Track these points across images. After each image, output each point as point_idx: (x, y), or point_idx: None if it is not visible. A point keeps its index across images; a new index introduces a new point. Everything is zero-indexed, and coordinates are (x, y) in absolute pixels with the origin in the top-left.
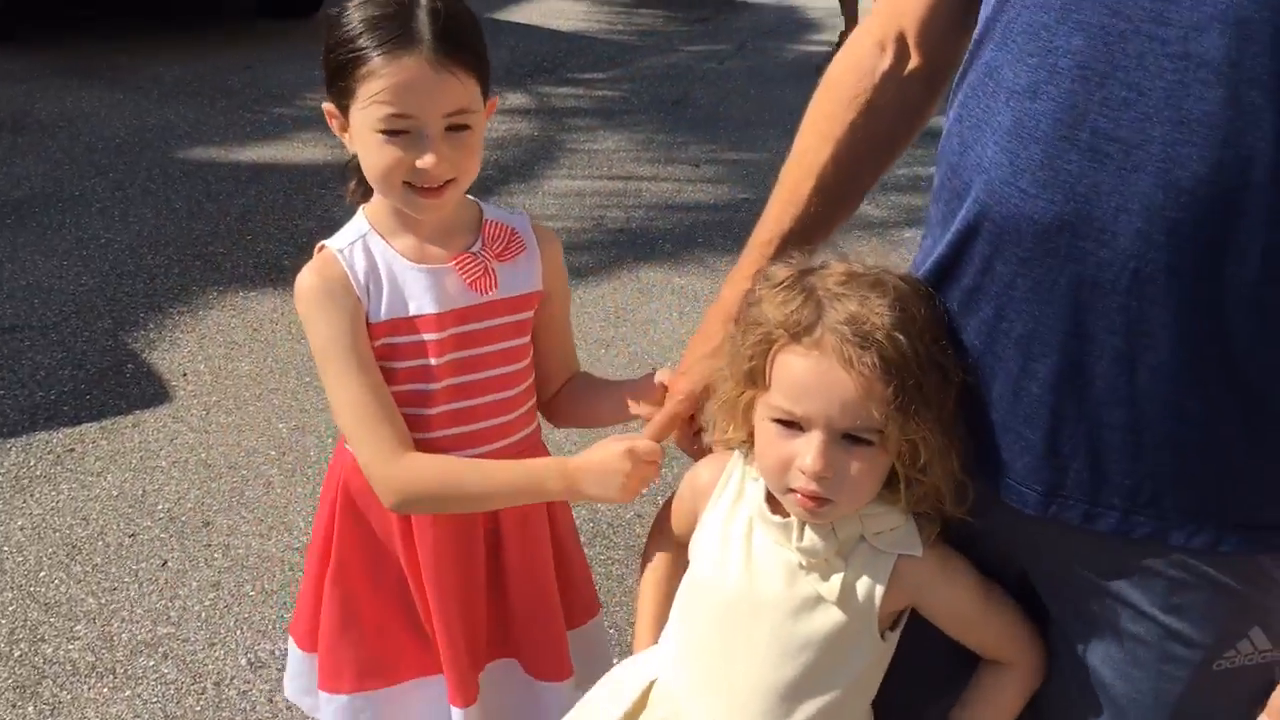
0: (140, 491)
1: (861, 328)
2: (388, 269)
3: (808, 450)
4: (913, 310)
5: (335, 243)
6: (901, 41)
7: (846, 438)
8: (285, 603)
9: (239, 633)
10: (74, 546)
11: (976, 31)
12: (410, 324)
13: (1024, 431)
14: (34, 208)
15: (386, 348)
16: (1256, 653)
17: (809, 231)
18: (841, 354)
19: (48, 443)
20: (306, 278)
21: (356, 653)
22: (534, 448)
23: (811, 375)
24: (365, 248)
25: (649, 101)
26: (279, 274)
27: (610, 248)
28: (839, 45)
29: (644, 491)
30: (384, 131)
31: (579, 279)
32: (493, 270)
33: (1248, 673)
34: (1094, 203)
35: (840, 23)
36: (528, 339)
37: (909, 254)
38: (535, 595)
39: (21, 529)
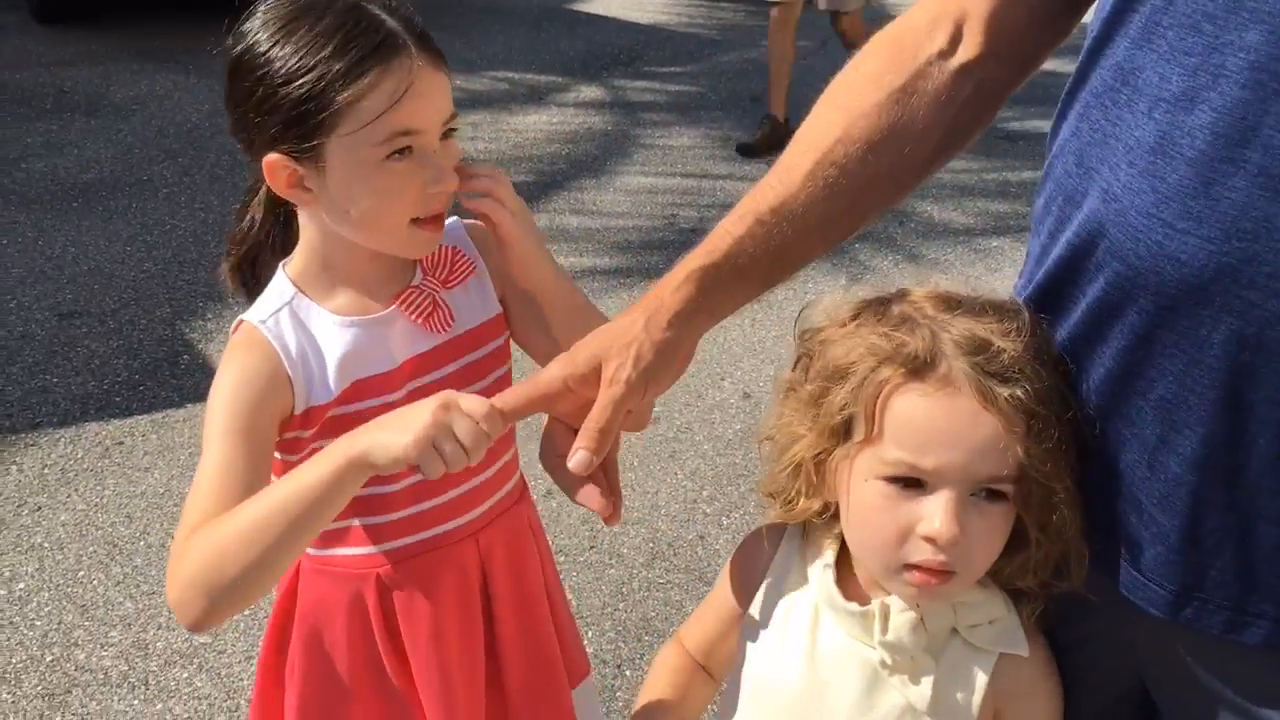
0: (186, 490)
1: (997, 357)
2: (325, 335)
3: (937, 511)
4: (1037, 333)
5: (255, 314)
6: (961, 24)
7: (976, 493)
8: None
9: None
10: (115, 546)
11: (1097, 23)
12: (359, 389)
13: (1157, 516)
14: (101, 191)
15: (333, 421)
16: None
17: (790, 221)
18: (980, 389)
19: (97, 434)
20: (231, 357)
21: None
22: (521, 501)
23: (944, 418)
24: (292, 314)
25: (727, 97)
26: None
27: (683, 248)
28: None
29: (447, 463)
30: (392, 154)
31: (650, 279)
32: (443, 302)
33: None
34: (1263, 242)
35: None
36: (507, 368)
37: (994, 265)
38: (536, 661)
39: (64, 525)
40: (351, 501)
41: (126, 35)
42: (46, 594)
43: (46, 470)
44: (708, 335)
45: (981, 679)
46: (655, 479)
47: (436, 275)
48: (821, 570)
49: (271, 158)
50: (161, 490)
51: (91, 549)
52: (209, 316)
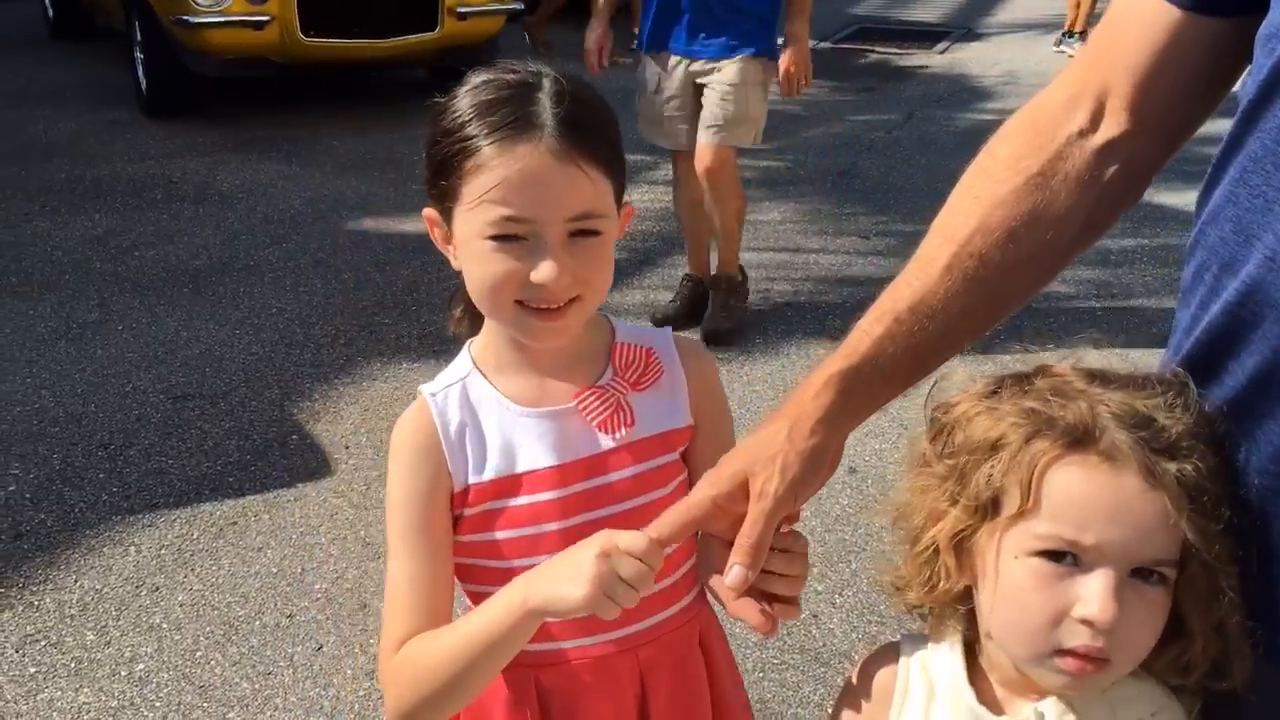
0: (299, 570)
1: (1162, 432)
2: (493, 417)
3: (1096, 592)
4: (1199, 408)
5: (431, 386)
6: (1104, 100)
7: (1135, 574)
8: None
9: None
10: (231, 626)
11: (1253, 87)
12: (518, 482)
13: None
14: (210, 277)
15: (485, 516)
16: None
17: (930, 318)
18: (1145, 463)
19: (211, 515)
20: (399, 426)
21: None
22: (691, 621)
23: (1108, 493)
24: (463, 393)
25: (815, 172)
26: (443, 345)
27: (778, 322)
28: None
29: (620, 604)
30: (494, 237)
31: (747, 355)
32: (627, 405)
33: None
34: None
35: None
36: (676, 484)
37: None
38: None
39: (181, 605)
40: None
41: (231, 127)
42: (165, 674)
43: (164, 551)
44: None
45: None
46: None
47: (626, 377)
48: (955, 685)
49: (427, 210)
50: (275, 570)
51: (208, 629)
52: (316, 397)
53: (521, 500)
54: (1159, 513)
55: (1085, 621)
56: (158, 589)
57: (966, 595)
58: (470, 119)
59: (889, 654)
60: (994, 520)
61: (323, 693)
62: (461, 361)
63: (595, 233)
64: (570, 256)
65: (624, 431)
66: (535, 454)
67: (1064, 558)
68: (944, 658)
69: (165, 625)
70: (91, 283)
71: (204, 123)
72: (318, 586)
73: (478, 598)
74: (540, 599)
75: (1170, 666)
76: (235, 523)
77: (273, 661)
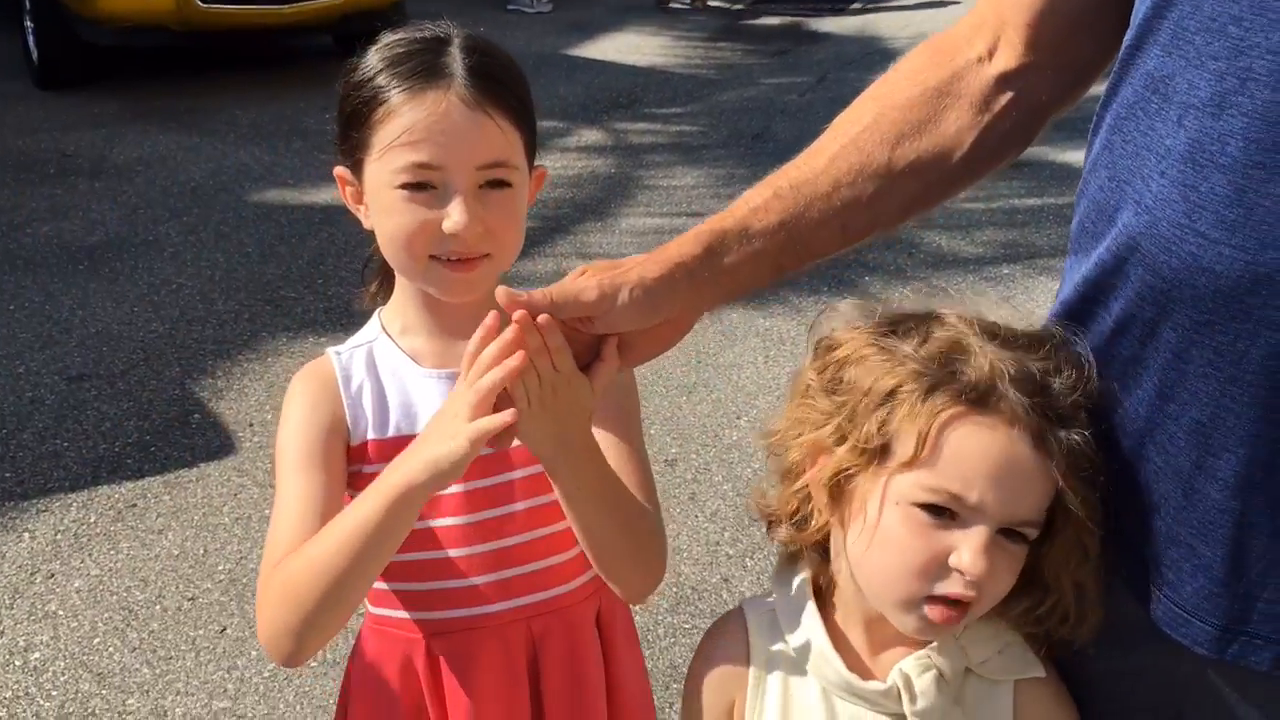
0: (201, 551)
1: (1056, 399)
2: (394, 378)
3: (968, 546)
4: (1089, 374)
5: (338, 347)
6: (1000, 33)
7: (1005, 532)
8: None
9: (299, 708)
10: (130, 611)
11: (1130, 35)
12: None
13: (1197, 546)
14: (107, 253)
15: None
16: None
17: (809, 201)
18: (1038, 430)
19: (109, 497)
20: (297, 376)
21: None
22: (587, 601)
23: (1000, 455)
24: (369, 355)
25: (729, 136)
26: (350, 319)
27: None
28: None
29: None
30: (405, 186)
31: None
32: None
33: None
34: None
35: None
36: None
37: (1006, 292)
38: None
39: (78, 591)
40: (390, 566)
41: (127, 98)
42: (62, 663)
43: (59, 536)
44: (722, 374)
45: (1005, 712)
46: (676, 522)
47: None
48: (821, 654)
49: (338, 169)
50: (176, 552)
51: (107, 615)
52: (219, 375)
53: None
54: (1043, 479)
55: (960, 569)
56: (53, 575)
57: (824, 539)
58: (380, 70)
59: (734, 626)
60: (881, 465)
61: (226, 675)
62: (370, 326)
63: (506, 184)
64: (482, 206)
65: None
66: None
67: (943, 513)
68: (801, 625)
69: (61, 612)
70: None
71: (100, 93)
72: (221, 568)
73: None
74: (421, 469)
75: (1025, 616)
76: (134, 505)
77: (174, 646)
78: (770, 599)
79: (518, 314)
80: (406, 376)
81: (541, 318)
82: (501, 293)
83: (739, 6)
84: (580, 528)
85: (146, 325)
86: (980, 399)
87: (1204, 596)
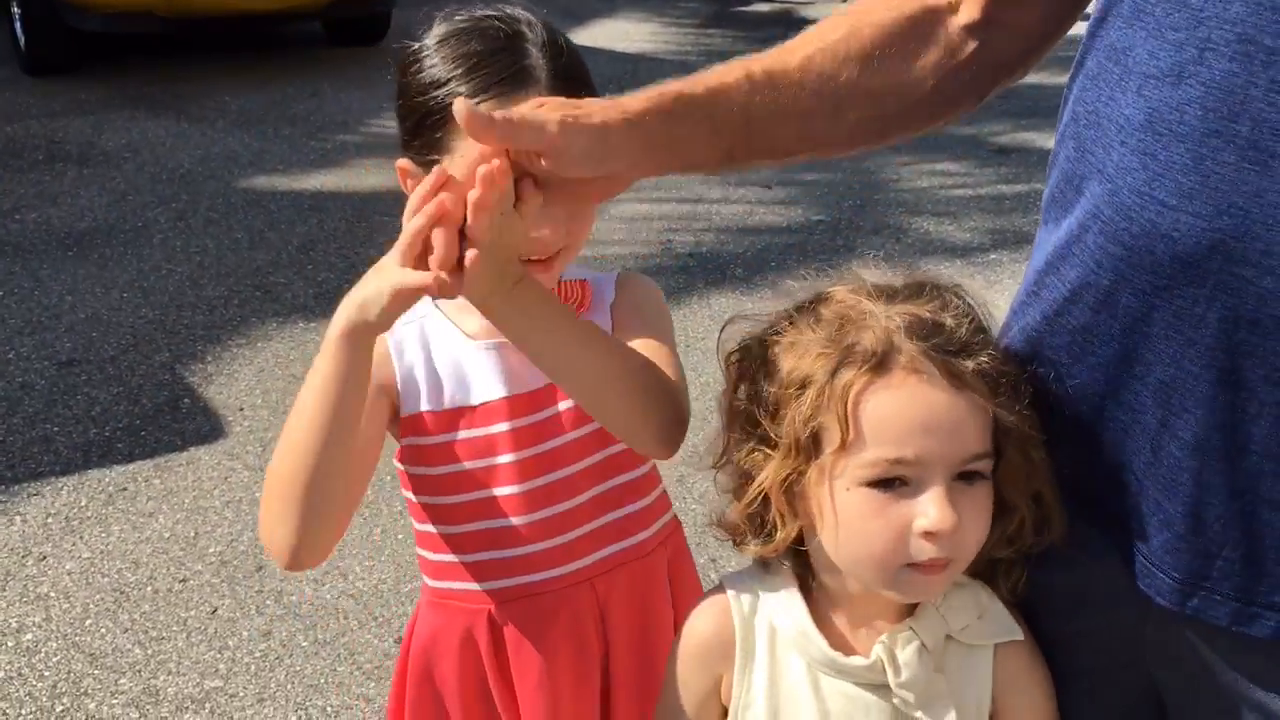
0: (192, 533)
1: (953, 336)
2: (446, 351)
3: (929, 504)
4: (967, 301)
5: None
6: None
7: (961, 477)
8: (339, 655)
9: (290, 687)
10: (122, 593)
11: (1095, 7)
12: (474, 414)
13: (1162, 501)
14: (96, 239)
15: (444, 447)
16: None
17: (776, 91)
18: (946, 369)
19: (100, 481)
20: None
21: None
22: (655, 553)
23: (918, 406)
24: (421, 331)
25: None
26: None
27: (679, 273)
28: None
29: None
30: None
31: None
32: None
33: None
34: (1255, 217)
35: None
36: None
37: (994, 278)
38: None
39: (70, 574)
40: (451, 538)
41: (116, 84)
42: (54, 644)
43: (50, 519)
44: (710, 358)
45: (986, 676)
46: None
47: None
48: (804, 633)
49: (400, 161)
50: (167, 535)
51: (98, 597)
52: (208, 360)
53: (477, 432)
54: (969, 410)
55: (928, 534)
56: (45, 558)
57: (799, 538)
58: (458, 71)
59: (718, 605)
60: (819, 459)
61: (218, 655)
62: (424, 303)
63: None
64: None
65: None
66: (489, 386)
67: (893, 484)
68: (783, 604)
69: (53, 594)
70: None
71: (88, 80)
72: (212, 550)
73: (426, 540)
74: (354, 312)
75: (997, 542)
76: (125, 489)
77: (165, 626)
78: (752, 572)
79: (482, 170)
80: (458, 349)
81: (496, 163)
82: (460, 105)
83: None
84: (564, 378)
85: (136, 311)
86: (882, 362)
87: (1168, 550)
